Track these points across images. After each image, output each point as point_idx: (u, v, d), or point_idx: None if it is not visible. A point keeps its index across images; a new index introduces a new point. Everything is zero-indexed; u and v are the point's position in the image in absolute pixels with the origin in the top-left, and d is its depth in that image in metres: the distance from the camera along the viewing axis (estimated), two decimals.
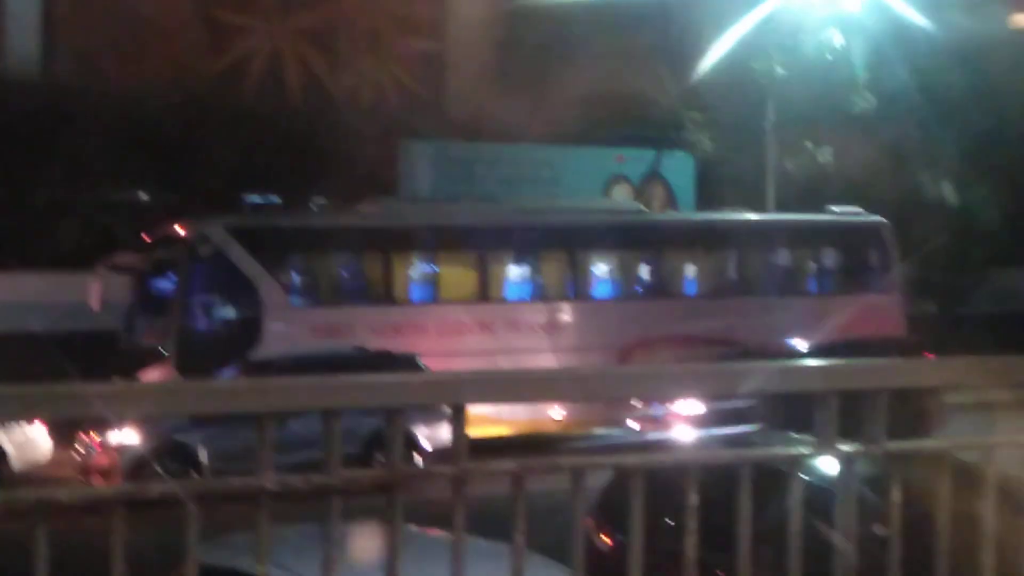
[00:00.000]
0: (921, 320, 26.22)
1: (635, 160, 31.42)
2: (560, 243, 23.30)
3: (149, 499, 2.61)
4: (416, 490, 2.86)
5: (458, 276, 22.79)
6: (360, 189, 24.89)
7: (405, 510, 2.79)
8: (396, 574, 2.79)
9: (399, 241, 22.59)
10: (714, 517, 3.23)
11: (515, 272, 23.34)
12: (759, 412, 15.31)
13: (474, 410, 2.87)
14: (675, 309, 23.64)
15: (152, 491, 2.62)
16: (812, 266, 25.38)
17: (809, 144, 28.00)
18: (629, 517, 2.97)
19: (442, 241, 22.81)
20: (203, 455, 17.70)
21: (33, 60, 30.70)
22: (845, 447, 3.08)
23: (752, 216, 25.50)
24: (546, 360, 21.57)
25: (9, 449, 18.56)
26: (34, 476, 18.68)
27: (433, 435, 18.26)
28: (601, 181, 30.79)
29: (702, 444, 9.93)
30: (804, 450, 3.11)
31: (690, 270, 24.57)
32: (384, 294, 22.31)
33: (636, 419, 19.96)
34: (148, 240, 21.96)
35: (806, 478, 3.12)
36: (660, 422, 19.17)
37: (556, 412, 21.45)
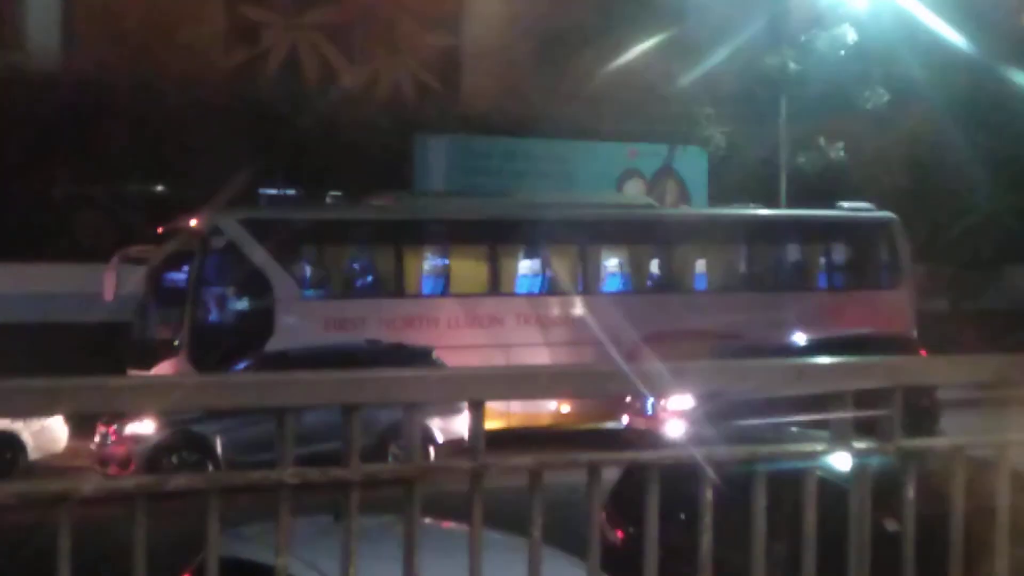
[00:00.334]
0: (933, 316, 26.18)
1: (648, 155, 31.40)
2: (572, 237, 23.30)
3: (170, 492, 2.63)
4: (433, 484, 2.88)
5: (470, 269, 22.81)
6: (375, 182, 24.92)
7: (423, 503, 2.81)
8: (413, 567, 2.81)
9: (411, 234, 22.62)
10: (727, 513, 3.25)
11: (527, 266, 23.37)
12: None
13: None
14: (686, 304, 23.64)
15: (173, 484, 2.64)
16: (823, 261, 25.36)
17: (822, 140, 27.96)
18: (641, 510, 2.99)
19: (454, 234, 22.84)
20: (219, 446, 17.76)
21: (53, 54, 30.77)
22: (860, 444, 3.09)
23: (763, 211, 25.49)
24: (558, 354, 21.57)
25: (26, 439, 18.63)
26: (51, 466, 18.76)
27: (447, 427, 18.32)
28: (614, 175, 30.78)
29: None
30: (819, 447, 3.13)
31: (701, 265, 24.56)
32: (396, 287, 22.34)
33: (629, 414, 19.98)
34: (162, 232, 22.02)
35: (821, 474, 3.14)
36: (653, 418, 19.18)
37: (565, 406, 21.45)
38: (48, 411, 2.65)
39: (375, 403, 2.84)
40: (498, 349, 21.58)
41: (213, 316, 21.24)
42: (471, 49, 34.50)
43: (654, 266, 24.30)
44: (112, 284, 21.10)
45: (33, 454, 18.74)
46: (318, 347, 19.01)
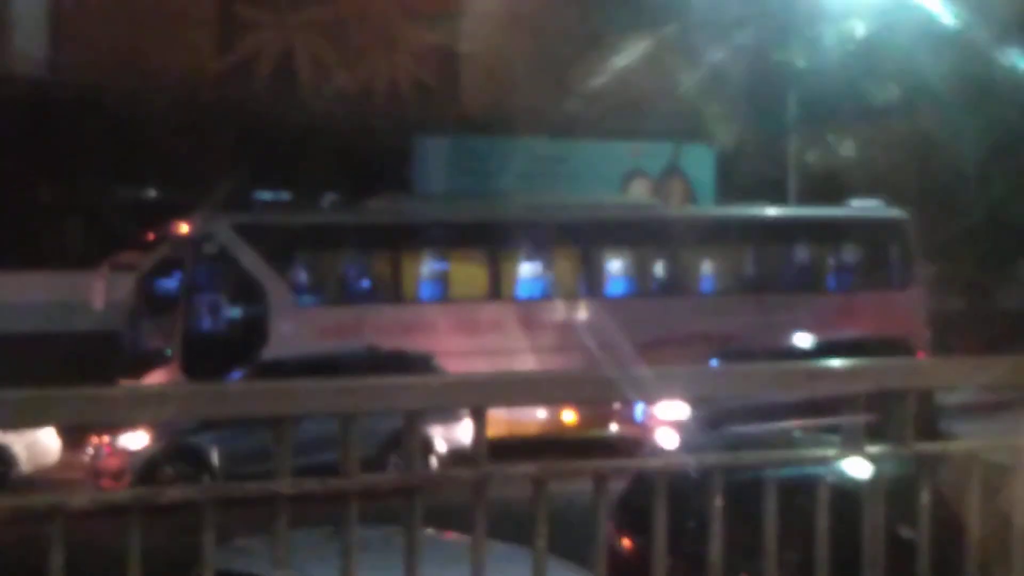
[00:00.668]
0: (949, 316, 26.02)
1: (653, 154, 31.27)
2: (574, 239, 23.14)
3: (165, 504, 2.56)
4: (435, 493, 2.82)
5: (470, 274, 22.67)
6: (374, 184, 24.84)
7: (424, 513, 2.75)
8: None
9: (409, 238, 22.48)
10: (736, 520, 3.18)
11: (528, 269, 23.21)
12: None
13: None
14: (692, 307, 23.44)
15: (168, 496, 2.58)
16: (832, 262, 25.14)
17: (831, 137, 27.86)
18: (650, 519, 2.93)
19: (454, 238, 22.68)
20: (214, 457, 17.66)
21: (40, 58, 30.71)
22: (873, 448, 3.03)
23: (770, 211, 25.33)
24: (560, 360, 21.42)
25: (18, 451, 18.52)
26: (43, 479, 18.66)
27: (448, 436, 18.21)
28: (618, 175, 30.66)
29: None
30: (831, 452, 3.06)
31: (706, 267, 24.39)
32: (394, 293, 22.21)
33: (619, 422, 19.95)
34: (153, 238, 21.92)
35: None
36: (643, 426, 19.14)
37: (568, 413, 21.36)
38: (39, 423, 2.60)
39: (374, 412, 2.78)
40: (499, 355, 21.41)
41: (206, 324, 21.12)
42: (469, 47, 34.46)
43: (659, 268, 24.10)
44: (102, 292, 20.99)
45: (25, 467, 18.62)
46: (316, 355, 18.91)
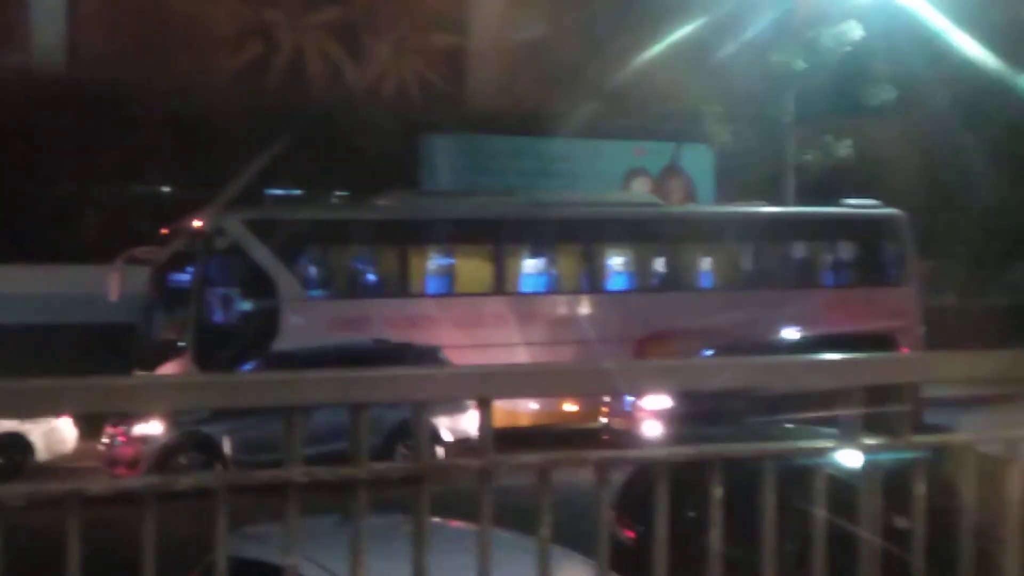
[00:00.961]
0: (941, 312, 26.15)
1: (655, 153, 31.42)
2: (577, 236, 23.32)
3: (179, 491, 2.62)
4: (441, 483, 2.88)
5: (475, 269, 22.81)
6: (382, 182, 24.94)
7: (431, 502, 2.80)
8: (422, 566, 2.81)
9: (416, 234, 22.61)
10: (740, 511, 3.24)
11: (532, 265, 23.36)
12: None
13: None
14: (691, 302, 23.64)
15: (182, 483, 2.64)
16: (828, 258, 25.35)
17: (828, 137, 27.95)
18: (651, 509, 2.98)
19: (460, 234, 22.85)
20: (227, 447, 17.77)
21: (58, 54, 30.81)
22: (869, 440, 3.08)
23: (767, 208, 25.47)
24: (564, 353, 21.56)
25: (35, 440, 18.66)
26: (59, 467, 18.78)
27: (454, 426, 18.32)
28: (620, 174, 30.80)
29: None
30: (828, 443, 3.12)
31: (705, 263, 24.56)
32: (401, 287, 22.34)
33: (608, 414, 20.02)
34: (167, 233, 22.04)
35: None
36: (630, 417, 19.24)
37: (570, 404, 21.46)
38: (55, 411, 2.64)
39: (383, 402, 2.83)
40: (504, 348, 21.57)
41: (218, 317, 21.24)
42: (477, 48, 34.52)
43: (660, 264, 24.30)
44: (117, 285, 21.11)
45: (42, 455, 18.78)
46: (325, 347, 19.00)
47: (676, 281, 24.09)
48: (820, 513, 3.06)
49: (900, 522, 3.37)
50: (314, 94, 31.50)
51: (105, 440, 18.04)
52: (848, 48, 27.12)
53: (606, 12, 31.42)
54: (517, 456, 2.86)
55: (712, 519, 2.99)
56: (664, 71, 28.70)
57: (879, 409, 3.16)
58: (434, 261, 22.86)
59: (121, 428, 17.75)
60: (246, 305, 21.44)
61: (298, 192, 23.00)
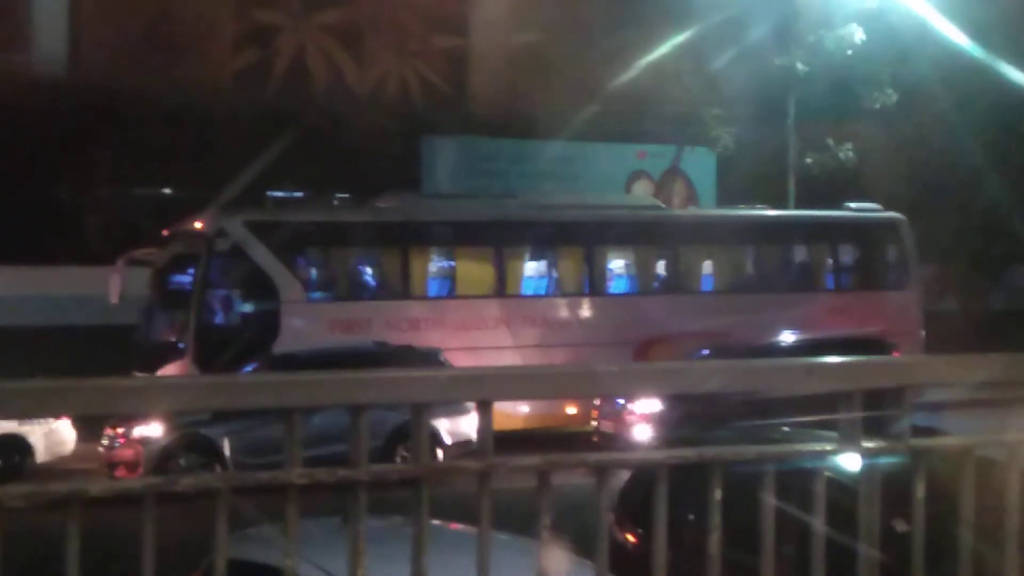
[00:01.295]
0: (942, 317, 26.16)
1: (656, 156, 31.44)
2: (578, 239, 23.34)
3: (179, 493, 2.62)
4: (441, 484, 2.88)
5: (476, 271, 22.82)
6: (383, 184, 24.97)
7: (431, 504, 2.80)
8: (421, 568, 2.81)
9: (417, 236, 22.63)
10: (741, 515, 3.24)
11: (533, 268, 23.39)
12: None
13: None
14: (691, 305, 23.65)
15: (183, 485, 2.64)
16: (830, 262, 25.36)
17: (830, 141, 27.97)
18: (652, 512, 2.98)
19: (460, 236, 22.87)
20: (227, 449, 17.78)
21: (60, 55, 30.85)
22: (869, 443, 3.08)
23: (769, 212, 25.49)
24: (563, 356, 21.57)
25: (35, 441, 18.67)
26: (59, 468, 18.79)
27: (454, 429, 18.33)
28: (622, 177, 30.81)
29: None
30: (828, 446, 3.12)
31: (706, 266, 24.58)
32: (401, 289, 22.35)
33: (598, 416, 20.03)
34: (168, 235, 22.05)
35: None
36: (621, 420, 19.27)
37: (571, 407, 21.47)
38: (54, 412, 2.64)
39: (383, 404, 2.83)
40: (505, 350, 21.61)
41: (218, 318, 21.25)
42: (478, 50, 34.56)
43: (661, 267, 24.31)
44: (118, 286, 21.12)
45: (41, 457, 18.79)
46: (326, 349, 19.02)
47: (677, 284, 24.11)
48: (819, 516, 3.06)
49: (899, 526, 3.38)
50: (316, 96, 31.53)
51: (104, 442, 18.05)
52: (850, 52, 27.15)
53: (608, 14, 31.45)
54: (516, 458, 2.86)
55: (712, 522, 2.99)
56: (666, 74, 28.74)
57: (876, 413, 3.17)
58: (435, 263, 22.89)
59: (120, 430, 17.75)
60: (247, 307, 21.46)
61: (299, 194, 22.97)
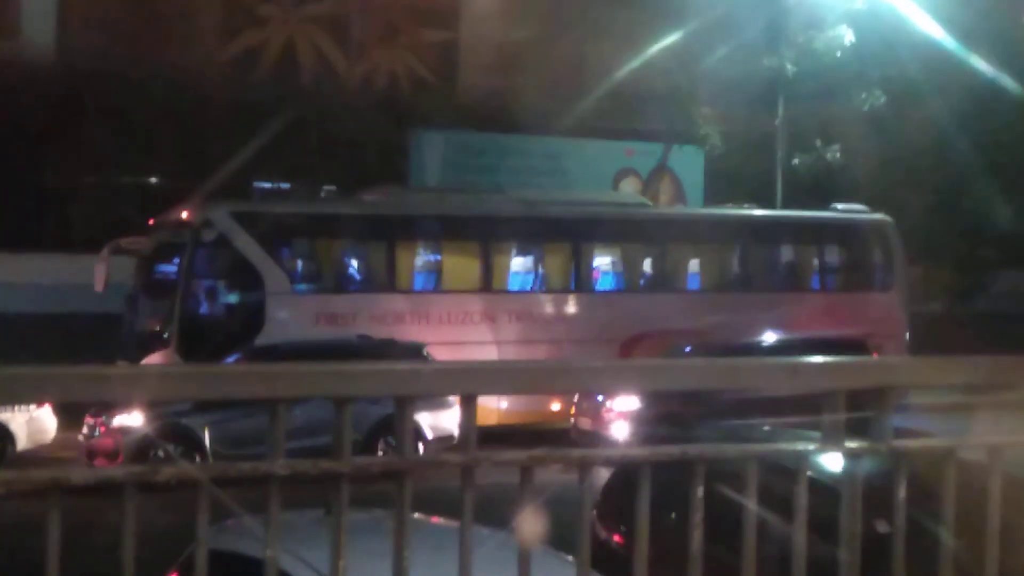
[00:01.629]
0: (928, 319, 26.22)
1: (645, 153, 31.46)
2: (564, 235, 23.35)
3: (160, 482, 2.61)
4: (424, 478, 2.88)
5: (462, 265, 22.81)
6: (371, 176, 24.94)
7: (413, 498, 2.80)
8: (403, 561, 2.80)
9: (404, 230, 22.61)
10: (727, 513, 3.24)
11: (519, 263, 23.39)
12: None
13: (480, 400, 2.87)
14: (676, 303, 23.68)
15: (164, 474, 2.63)
16: (815, 263, 25.41)
17: (818, 142, 28.03)
18: (632, 509, 2.98)
19: (447, 230, 22.86)
20: (206, 440, 17.75)
21: (47, 43, 30.76)
22: (851, 444, 3.09)
23: (755, 212, 25.52)
24: (547, 352, 21.59)
25: (15, 429, 18.63)
26: (40, 457, 18.75)
27: (435, 424, 18.34)
28: (610, 174, 30.83)
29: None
30: (810, 446, 3.12)
31: (692, 264, 24.61)
32: (387, 282, 22.34)
33: (576, 413, 20.05)
34: (153, 224, 22.00)
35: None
36: (599, 418, 19.29)
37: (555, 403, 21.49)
38: (35, 399, 2.62)
39: (367, 396, 2.83)
40: (490, 346, 21.63)
41: (203, 308, 21.20)
42: (468, 43, 34.54)
43: (647, 265, 24.34)
44: (103, 275, 21.07)
45: (23, 444, 18.75)
46: (308, 342, 19.00)
47: (662, 282, 24.14)
48: (801, 516, 3.07)
49: (881, 526, 3.38)
50: (304, 87, 31.49)
51: (84, 431, 18.00)
52: (839, 53, 27.20)
53: (598, 11, 31.45)
54: (500, 452, 2.86)
55: (693, 520, 2.99)
56: (656, 71, 28.77)
57: (858, 414, 3.17)
58: (421, 257, 22.88)
59: (101, 418, 17.70)
60: (232, 298, 21.42)
61: (286, 185, 22.90)
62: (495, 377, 2.97)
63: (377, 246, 22.57)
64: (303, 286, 22.06)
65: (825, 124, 28.22)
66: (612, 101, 29.76)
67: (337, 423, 2.72)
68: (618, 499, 8.56)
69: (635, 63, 28.88)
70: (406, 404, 2.78)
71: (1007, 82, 27.79)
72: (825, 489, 3.36)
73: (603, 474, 8.88)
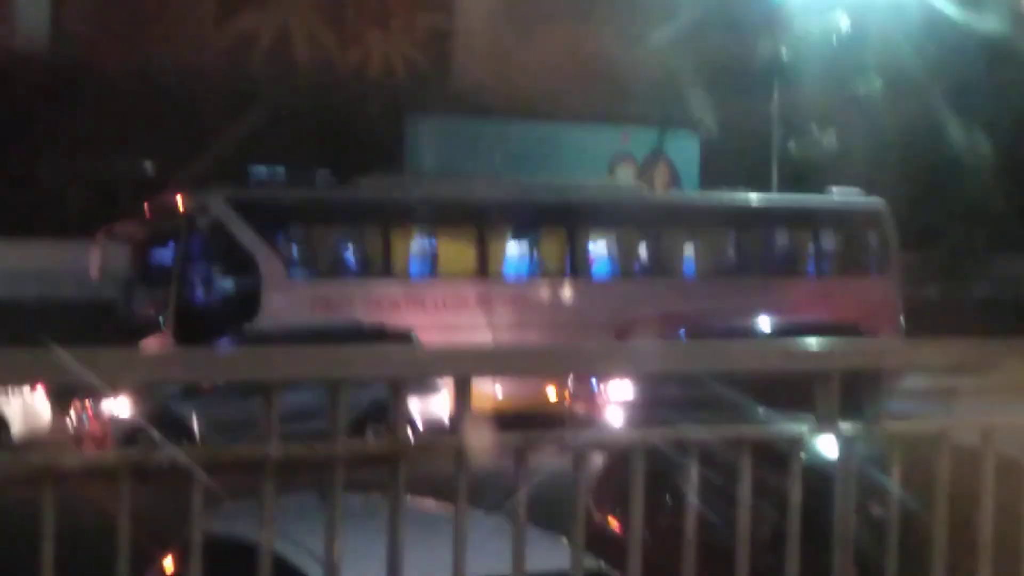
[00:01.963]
0: (923, 304, 26.24)
1: (640, 139, 31.42)
2: (559, 221, 23.36)
3: (154, 466, 2.61)
4: (417, 462, 2.88)
5: (457, 252, 22.81)
6: (367, 162, 24.91)
7: (407, 482, 2.80)
8: (398, 545, 2.81)
9: (400, 216, 22.60)
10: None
11: (514, 249, 23.39)
12: None
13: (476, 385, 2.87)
14: (672, 288, 23.69)
15: (158, 459, 2.63)
16: (810, 247, 25.42)
17: (814, 126, 28.04)
18: (627, 494, 2.99)
19: (443, 217, 22.84)
20: (196, 426, 17.67)
21: (42, 32, 30.70)
22: (845, 427, 3.09)
23: (750, 197, 25.52)
24: (543, 338, 21.59)
25: (9, 415, 18.62)
26: (34, 443, 18.74)
27: (425, 410, 18.28)
28: (606, 159, 30.80)
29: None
30: (804, 430, 3.13)
31: (687, 250, 24.62)
32: (383, 269, 22.33)
33: (573, 400, 20.03)
34: (149, 210, 21.98)
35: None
36: (593, 402, 19.27)
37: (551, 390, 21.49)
38: (26, 381, 2.62)
39: (361, 379, 2.83)
40: (485, 332, 21.63)
41: (198, 295, 21.17)
42: (463, 28, 34.50)
43: (642, 251, 24.34)
44: (98, 261, 21.05)
45: (16, 430, 18.74)
46: (299, 327, 18.94)
47: (657, 268, 24.15)
48: (795, 499, 3.07)
49: (876, 509, 3.39)
50: (299, 71, 31.44)
51: (72, 416, 17.93)
52: (835, 38, 27.20)
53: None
54: (495, 436, 2.86)
55: (687, 503, 2.99)
56: (652, 56, 28.74)
57: (850, 396, 3.18)
58: (417, 244, 22.85)
59: (88, 403, 17.60)
60: (227, 284, 21.38)
61: (280, 168, 22.84)
62: (488, 360, 2.97)
63: (373, 232, 22.56)
64: (299, 272, 22.04)
65: (820, 108, 28.22)
66: (606, 86, 29.74)
67: (331, 406, 2.73)
68: (613, 484, 8.57)
69: (631, 46, 28.86)
70: (401, 388, 2.79)
71: (1004, 66, 27.79)
72: (818, 474, 3.36)
73: (599, 459, 8.89)
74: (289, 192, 22.34)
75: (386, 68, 33.06)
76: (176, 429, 17.49)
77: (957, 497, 3.17)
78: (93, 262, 21.01)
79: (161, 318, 20.66)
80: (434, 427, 17.97)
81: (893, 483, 3.14)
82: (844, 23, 27.14)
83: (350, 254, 22.82)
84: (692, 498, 2.99)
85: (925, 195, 29.41)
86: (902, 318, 24.54)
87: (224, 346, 18.05)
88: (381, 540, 2.81)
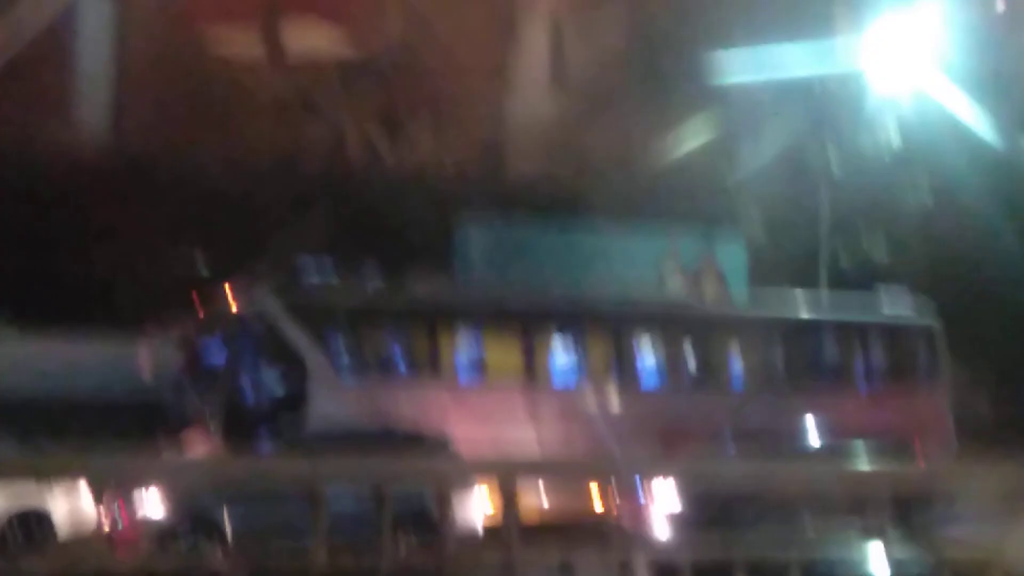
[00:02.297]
0: (972, 421, 25.95)
1: (688, 243, 31.42)
2: (611, 331, 23.36)
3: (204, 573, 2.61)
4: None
5: (508, 359, 22.79)
6: (416, 261, 25.06)
7: None
8: None
9: (450, 321, 22.62)
10: None
11: (562, 358, 23.35)
12: None
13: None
14: (720, 403, 23.52)
15: (205, 567, 2.62)
16: (860, 364, 25.22)
17: (864, 242, 28.04)
18: None
19: (494, 323, 22.84)
20: (231, 531, 17.35)
21: (101, 128, 31.30)
22: (896, 548, 3.05)
23: (799, 312, 25.41)
24: (590, 448, 21.43)
25: (57, 519, 18.54)
26: (79, 544, 18.64)
27: (460, 513, 17.92)
28: (655, 267, 30.77)
29: None
30: (855, 551, 3.09)
31: (736, 362, 24.49)
32: (433, 373, 22.31)
33: (619, 514, 19.83)
34: (199, 307, 22.11)
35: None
36: (641, 517, 19.06)
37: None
38: (72, 483, 2.59)
39: (404, 490, 2.82)
40: (531, 437, 21.52)
41: (246, 395, 21.21)
42: (515, 133, 34.89)
43: (691, 364, 24.25)
44: (149, 360, 21.16)
45: (63, 533, 18.66)
46: (334, 432, 18.77)
47: (705, 381, 24.04)
48: None
49: None
50: (353, 175, 31.83)
51: (106, 518, 17.63)
52: (887, 159, 27.32)
53: (645, 101, 31.70)
54: (541, 553, 2.84)
55: None
56: (701, 163, 28.87)
57: (903, 518, 3.14)
58: (467, 349, 22.84)
59: (122, 500, 17.29)
60: (275, 384, 21.40)
61: (330, 268, 22.92)
62: (532, 468, 2.95)
63: (423, 336, 22.58)
64: (347, 374, 22.02)
65: (872, 214, 28.20)
66: (657, 192, 29.87)
67: (378, 517, 2.72)
68: None
69: (681, 153, 29.02)
70: (447, 501, 2.78)
71: None
72: None
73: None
74: (340, 293, 22.42)
75: (439, 172, 33.41)
76: (208, 530, 17.27)
77: None
78: (144, 360, 21.12)
79: (210, 418, 20.67)
80: (468, 532, 17.59)
81: None
82: (896, 142, 27.21)
83: (399, 359, 22.81)
84: None
85: (977, 303, 29.21)
86: (954, 437, 24.26)
87: (265, 450, 17.96)
88: None
